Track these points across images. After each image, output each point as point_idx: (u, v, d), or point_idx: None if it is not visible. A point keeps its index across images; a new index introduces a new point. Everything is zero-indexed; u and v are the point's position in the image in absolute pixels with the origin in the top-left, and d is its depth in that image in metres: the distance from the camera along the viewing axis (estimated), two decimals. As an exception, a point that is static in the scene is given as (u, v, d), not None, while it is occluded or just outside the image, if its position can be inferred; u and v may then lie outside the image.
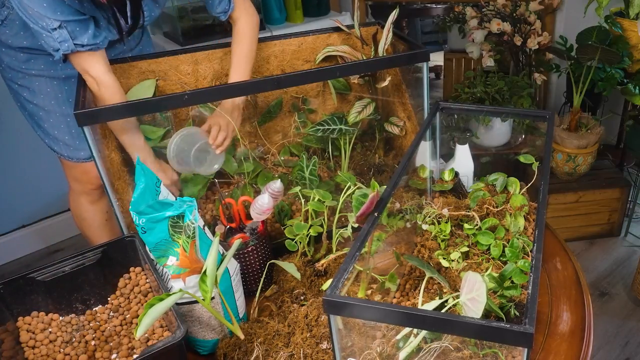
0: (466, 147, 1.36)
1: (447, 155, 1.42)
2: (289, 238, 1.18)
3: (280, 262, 1.16)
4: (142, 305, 1.12)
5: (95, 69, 1.22)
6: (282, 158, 1.53)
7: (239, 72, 1.39)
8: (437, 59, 3.30)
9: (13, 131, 2.24)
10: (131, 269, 1.17)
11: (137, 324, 0.86)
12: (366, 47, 1.52)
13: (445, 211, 1.16)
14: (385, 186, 0.96)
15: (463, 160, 1.36)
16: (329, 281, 0.86)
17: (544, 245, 1.22)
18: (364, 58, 1.48)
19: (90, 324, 1.11)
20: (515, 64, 2.55)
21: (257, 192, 1.36)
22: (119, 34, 1.26)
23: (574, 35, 2.29)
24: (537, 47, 2.38)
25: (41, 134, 1.58)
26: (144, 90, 1.38)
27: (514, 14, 2.43)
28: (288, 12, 2.73)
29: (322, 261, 1.15)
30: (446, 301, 0.87)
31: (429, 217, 1.17)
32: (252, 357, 1.01)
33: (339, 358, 0.83)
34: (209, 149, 1.34)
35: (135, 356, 1.02)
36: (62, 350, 1.05)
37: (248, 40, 1.41)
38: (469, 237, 1.13)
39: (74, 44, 1.18)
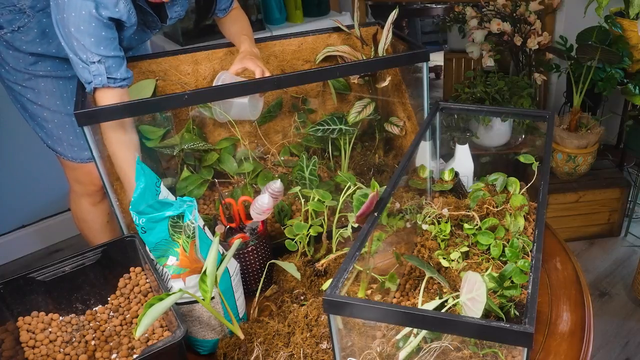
0: (466, 147, 1.36)
1: (447, 155, 1.42)
2: (289, 238, 1.18)
3: (280, 262, 1.16)
4: (142, 305, 1.12)
5: None
6: (282, 158, 1.53)
7: (246, 34, 1.46)
8: (437, 59, 3.30)
9: (13, 131, 2.24)
10: (131, 269, 1.17)
11: (136, 323, 0.86)
12: (366, 47, 1.52)
13: (445, 211, 1.16)
14: (385, 186, 0.96)
15: (463, 160, 1.36)
16: (329, 281, 0.86)
17: (544, 245, 1.22)
18: (364, 58, 1.48)
19: (90, 324, 1.11)
20: (515, 64, 2.55)
21: (257, 192, 1.36)
22: (162, 21, 1.36)
23: (574, 35, 2.29)
24: (537, 47, 2.38)
25: (44, 135, 1.57)
26: (143, 90, 1.38)
27: (514, 14, 2.43)
28: (288, 12, 2.72)
29: (322, 261, 1.15)
30: (446, 301, 0.87)
31: (429, 217, 1.17)
32: (252, 357, 1.01)
33: (339, 358, 0.83)
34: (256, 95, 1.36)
35: (135, 356, 1.02)
36: (62, 350, 1.05)
37: (246, 20, 1.54)
38: (469, 237, 1.13)
39: (107, 78, 1.21)
